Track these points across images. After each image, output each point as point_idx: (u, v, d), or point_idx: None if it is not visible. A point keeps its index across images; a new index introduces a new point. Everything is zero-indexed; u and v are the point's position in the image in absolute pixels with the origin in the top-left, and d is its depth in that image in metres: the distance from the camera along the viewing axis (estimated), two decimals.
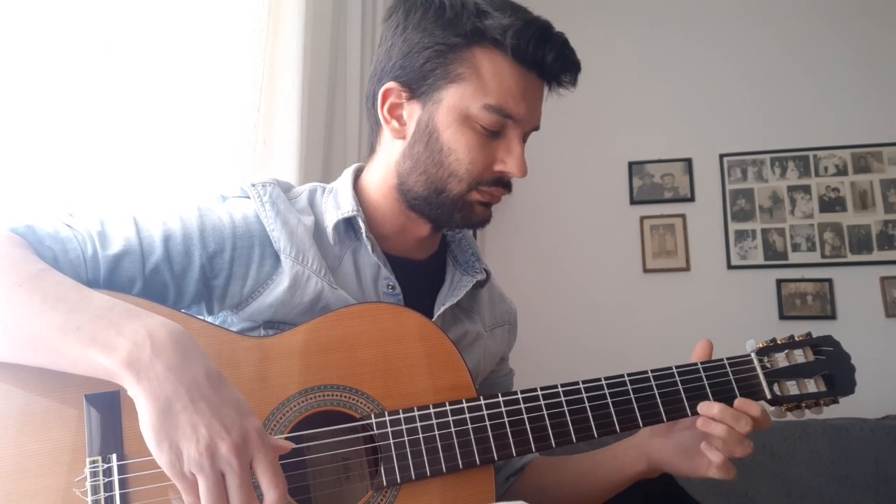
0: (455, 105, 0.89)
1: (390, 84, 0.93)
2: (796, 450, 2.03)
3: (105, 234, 0.81)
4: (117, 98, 1.23)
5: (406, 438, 0.80)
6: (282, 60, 1.63)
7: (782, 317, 2.68)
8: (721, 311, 2.73)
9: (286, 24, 1.65)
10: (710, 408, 0.87)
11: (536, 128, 0.95)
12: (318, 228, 0.93)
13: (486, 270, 1.05)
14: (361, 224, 0.93)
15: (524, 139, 0.94)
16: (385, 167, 0.96)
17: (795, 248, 2.73)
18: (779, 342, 0.95)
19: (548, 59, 0.88)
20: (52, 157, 1.12)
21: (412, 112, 0.92)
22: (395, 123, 0.94)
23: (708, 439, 0.88)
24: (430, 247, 1.04)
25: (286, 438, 0.76)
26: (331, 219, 0.94)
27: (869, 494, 1.93)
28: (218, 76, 1.47)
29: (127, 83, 1.25)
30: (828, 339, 0.95)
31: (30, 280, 0.68)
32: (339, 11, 1.96)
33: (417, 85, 0.91)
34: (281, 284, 0.87)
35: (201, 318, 0.84)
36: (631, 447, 0.99)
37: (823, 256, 2.70)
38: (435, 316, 0.96)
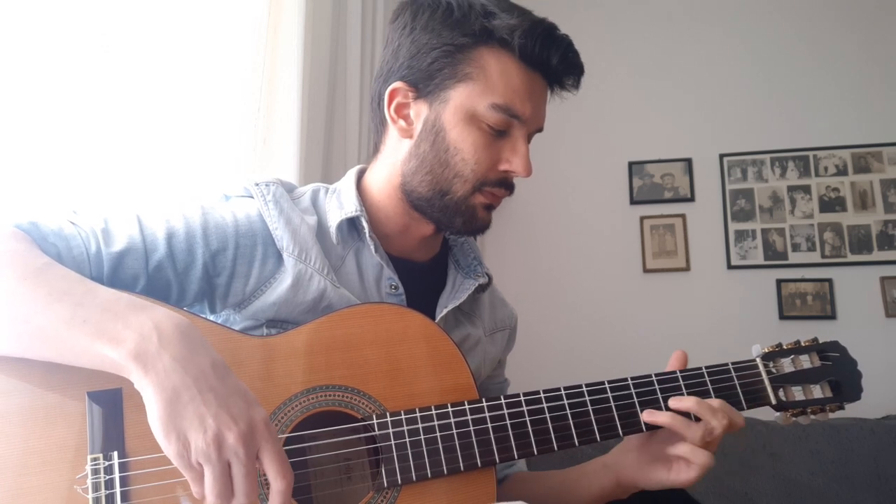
0: (462, 104, 0.89)
1: (397, 84, 0.93)
2: (796, 450, 2.03)
3: (109, 232, 0.81)
4: (118, 98, 1.24)
5: (407, 439, 0.80)
6: (282, 60, 1.63)
7: (782, 317, 2.68)
8: (721, 311, 2.73)
9: (286, 24, 1.65)
10: (682, 402, 0.87)
11: (540, 129, 0.96)
12: (321, 228, 0.94)
13: (487, 275, 1.05)
14: (365, 224, 0.93)
15: (528, 140, 0.94)
16: (390, 167, 0.96)
17: (795, 248, 2.73)
18: (785, 347, 0.94)
19: (553, 59, 0.89)
20: (55, 156, 1.12)
21: (419, 111, 0.93)
22: (402, 123, 0.94)
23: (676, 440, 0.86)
24: (432, 248, 1.04)
25: (287, 438, 0.77)
26: (334, 218, 0.94)
27: (869, 494, 1.93)
28: (218, 76, 1.47)
29: (127, 83, 1.25)
30: (834, 345, 0.95)
31: (35, 274, 0.68)
32: (339, 11, 1.97)
33: (424, 84, 0.91)
34: (283, 283, 0.87)
35: (204, 316, 0.84)
36: (601, 464, 0.98)
37: (823, 256, 2.70)
38: (437, 318, 0.95)
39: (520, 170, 0.91)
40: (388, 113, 0.94)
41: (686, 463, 0.86)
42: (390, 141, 0.97)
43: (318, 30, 1.78)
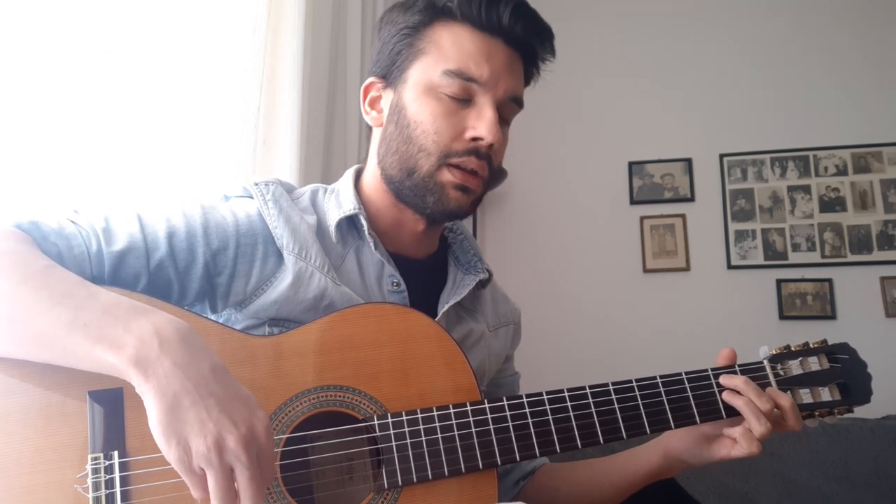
0: (419, 79, 0.91)
1: (370, 79, 0.98)
2: (796, 450, 2.03)
3: (109, 231, 0.81)
4: (118, 98, 1.24)
5: (408, 441, 0.79)
6: (282, 60, 1.63)
7: (782, 317, 2.68)
8: (721, 311, 2.73)
9: (286, 24, 1.65)
10: (732, 379, 0.88)
11: (516, 99, 0.94)
12: (320, 227, 0.94)
13: (488, 270, 1.05)
14: (363, 222, 0.94)
15: (507, 117, 0.94)
16: (373, 160, 0.99)
17: (795, 248, 2.73)
18: (793, 349, 0.93)
19: (504, 20, 0.89)
20: (55, 156, 1.12)
21: (387, 99, 0.96)
22: (374, 114, 0.98)
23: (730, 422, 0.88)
24: (429, 245, 1.04)
25: (288, 439, 0.77)
26: (333, 217, 0.94)
27: (869, 494, 1.93)
28: (218, 76, 1.47)
29: (127, 83, 1.25)
30: (844, 347, 0.94)
31: (36, 276, 0.68)
32: (339, 11, 1.96)
33: (389, 72, 0.95)
34: (284, 281, 0.87)
35: (205, 316, 0.84)
36: (647, 444, 0.99)
37: (823, 256, 2.70)
38: (439, 315, 0.95)
39: (483, 133, 0.89)
40: (364, 107, 0.99)
41: (732, 442, 0.87)
42: (373, 136, 1.00)
43: (318, 30, 1.78)
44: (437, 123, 0.89)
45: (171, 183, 1.34)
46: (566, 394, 0.86)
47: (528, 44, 0.93)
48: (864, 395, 0.92)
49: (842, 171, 2.74)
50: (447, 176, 0.90)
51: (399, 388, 0.82)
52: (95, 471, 0.67)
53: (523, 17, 0.90)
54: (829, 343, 0.94)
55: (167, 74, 1.34)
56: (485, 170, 0.92)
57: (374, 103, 0.98)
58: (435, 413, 0.81)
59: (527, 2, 0.91)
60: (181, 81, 1.37)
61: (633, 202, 2.92)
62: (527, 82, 1.00)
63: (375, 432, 0.79)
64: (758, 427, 0.84)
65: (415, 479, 0.78)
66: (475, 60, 0.89)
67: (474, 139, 0.90)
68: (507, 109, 0.94)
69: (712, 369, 0.91)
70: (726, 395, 0.88)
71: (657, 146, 2.93)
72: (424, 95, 0.90)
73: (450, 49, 0.90)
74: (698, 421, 0.88)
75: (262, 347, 0.80)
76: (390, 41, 0.95)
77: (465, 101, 0.90)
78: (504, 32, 0.90)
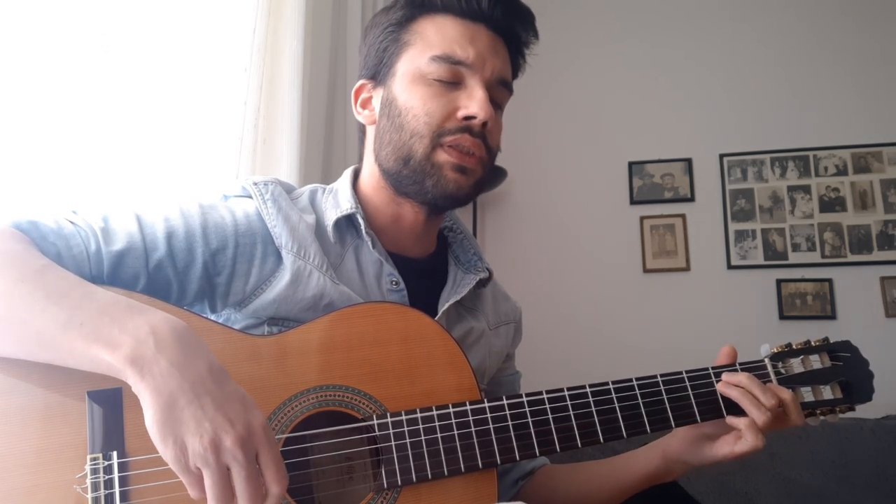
0: (407, 70, 0.93)
1: (360, 82, 1.00)
2: (796, 450, 2.02)
3: (108, 230, 0.81)
4: (118, 98, 1.24)
5: (408, 440, 0.79)
6: (282, 60, 1.63)
7: (782, 317, 2.68)
8: (721, 311, 2.73)
9: (286, 24, 1.65)
10: (735, 376, 0.88)
11: (505, 83, 0.96)
12: (319, 227, 0.94)
13: (488, 269, 1.05)
14: (361, 221, 0.94)
15: (499, 101, 0.95)
16: (369, 158, 1.00)
17: (795, 248, 2.73)
18: (794, 347, 0.93)
19: (484, 5, 0.92)
20: (55, 156, 1.12)
21: (378, 97, 0.98)
22: (366, 113, 1.00)
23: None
24: (428, 243, 1.04)
25: (287, 438, 0.77)
26: (331, 217, 0.95)
27: (869, 494, 1.92)
28: (218, 77, 1.47)
29: (127, 83, 1.25)
30: (846, 345, 0.93)
31: (33, 276, 0.68)
32: (339, 11, 1.96)
33: (377, 70, 0.97)
34: (283, 280, 0.87)
35: (204, 315, 0.84)
36: (647, 445, 0.99)
37: (823, 256, 2.70)
38: (439, 313, 0.95)
39: (475, 111, 0.90)
40: (356, 109, 1.01)
41: (735, 438, 0.87)
42: (367, 136, 1.02)
43: (318, 30, 1.78)
44: (427, 106, 0.91)
45: (171, 183, 1.34)
46: (566, 393, 0.85)
47: (509, 27, 0.95)
48: (866, 393, 0.91)
49: (842, 171, 2.74)
50: (443, 156, 0.91)
51: (399, 387, 0.82)
52: (94, 471, 0.67)
53: (502, 1, 0.93)
54: (831, 341, 0.94)
55: (167, 74, 1.34)
56: (481, 149, 0.92)
57: (365, 104, 1.01)
58: (434, 413, 0.81)
59: None
60: (181, 81, 1.37)
61: (633, 202, 2.92)
62: (515, 72, 1.01)
63: (375, 432, 0.79)
64: (758, 415, 0.84)
65: (414, 479, 0.78)
66: (460, 44, 0.91)
67: (467, 118, 0.91)
68: (497, 93, 0.95)
69: (713, 368, 0.90)
70: (721, 386, 0.88)
71: (657, 146, 2.93)
72: (413, 83, 0.92)
73: (434, 37, 0.92)
74: (699, 420, 0.88)
75: (262, 347, 0.80)
76: (376, 42, 0.97)
77: (454, 84, 0.92)
78: (485, 17, 0.93)
